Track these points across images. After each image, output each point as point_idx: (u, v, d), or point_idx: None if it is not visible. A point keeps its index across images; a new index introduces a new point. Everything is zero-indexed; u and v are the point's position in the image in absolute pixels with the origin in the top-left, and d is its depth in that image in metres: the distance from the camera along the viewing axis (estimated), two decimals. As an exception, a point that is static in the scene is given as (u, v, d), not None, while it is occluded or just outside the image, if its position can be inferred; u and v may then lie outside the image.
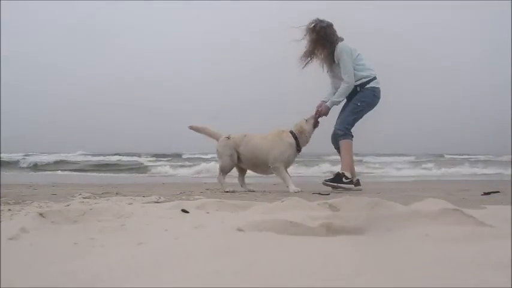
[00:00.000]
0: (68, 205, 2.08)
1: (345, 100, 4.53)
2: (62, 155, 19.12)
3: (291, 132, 4.29)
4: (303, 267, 0.68)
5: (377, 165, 15.56)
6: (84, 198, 2.76)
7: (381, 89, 4.49)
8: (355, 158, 4.53)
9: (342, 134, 4.36)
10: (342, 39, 4.48)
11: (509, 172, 11.38)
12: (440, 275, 0.62)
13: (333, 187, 4.09)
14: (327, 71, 4.62)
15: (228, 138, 4.27)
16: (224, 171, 4.27)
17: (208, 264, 0.75)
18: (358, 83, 4.42)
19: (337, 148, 4.52)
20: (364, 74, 4.43)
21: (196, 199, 2.40)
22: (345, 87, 4.40)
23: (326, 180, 4.24)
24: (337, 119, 4.51)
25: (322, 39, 4.42)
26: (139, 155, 19.61)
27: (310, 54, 4.51)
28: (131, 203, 2.28)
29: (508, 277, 0.61)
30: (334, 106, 4.48)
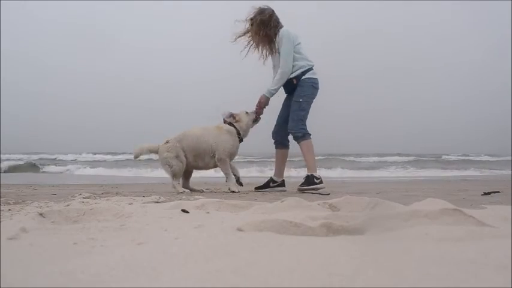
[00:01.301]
0: (68, 205, 2.08)
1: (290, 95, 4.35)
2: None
3: (229, 123, 4.27)
4: (303, 267, 0.68)
5: (375, 165, 15.56)
6: (84, 198, 2.76)
7: (319, 79, 4.33)
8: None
9: (300, 135, 4.22)
10: (281, 26, 4.34)
11: (509, 172, 11.38)
12: (440, 275, 0.62)
13: (309, 190, 3.97)
14: (268, 59, 4.45)
15: (167, 142, 4.20)
16: (176, 175, 4.14)
17: (208, 264, 0.75)
18: (294, 75, 4.27)
19: (278, 146, 4.45)
20: (301, 63, 4.28)
21: (196, 199, 2.40)
22: (280, 74, 4.25)
23: (301, 185, 4.11)
24: (289, 120, 4.31)
25: (264, 29, 4.27)
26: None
27: (253, 44, 4.38)
28: (131, 203, 2.28)
29: (508, 277, 0.61)
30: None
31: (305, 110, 4.26)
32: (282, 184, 4.48)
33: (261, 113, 4.41)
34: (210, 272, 0.67)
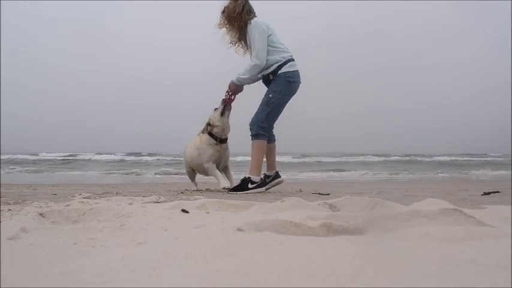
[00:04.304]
0: (68, 205, 2.08)
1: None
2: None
3: (209, 132, 4.30)
4: (303, 267, 0.68)
5: (375, 165, 15.56)
6: (84, 198, 2.76)
7: (299, 71, 4.16)
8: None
9: (253, 134, 4.10)
10: (254, 16, 4.18)
11: (509, 172, 11.39)
12: (440, 275, 0.62)
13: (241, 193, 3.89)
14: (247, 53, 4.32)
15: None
16: (189, 177, 4.73)
17: (208, 264, 0.75)
18: (270, 70, 4.10)
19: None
20: (276, 58, 4.09)
21: (196, 199, 2.40)
22: (250, 64, 4.10)
23: (231, 189, 4.03)
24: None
25: (234, 20, 4.13)
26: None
27: (229, 37, 4.29)
28: (131, 203, 2.28)
29: (508, 277, 0.61)
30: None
31: (272, 108, 4.12)
32: (277, 176, 4.33)
33: (231, 100, 4.28)
34: (210, 272, 0.67)
